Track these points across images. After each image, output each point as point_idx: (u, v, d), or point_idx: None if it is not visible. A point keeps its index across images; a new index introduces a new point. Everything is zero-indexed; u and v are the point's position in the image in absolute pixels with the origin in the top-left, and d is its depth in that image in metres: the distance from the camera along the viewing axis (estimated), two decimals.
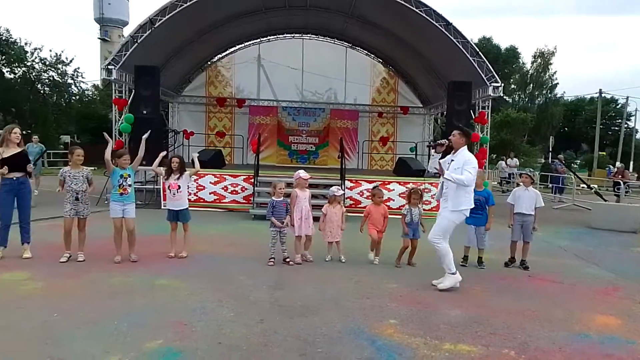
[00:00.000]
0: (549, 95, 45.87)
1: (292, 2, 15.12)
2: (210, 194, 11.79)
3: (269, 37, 18.23)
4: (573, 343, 4.24)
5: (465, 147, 5.80)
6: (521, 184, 7.29)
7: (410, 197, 6.91)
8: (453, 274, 5.71)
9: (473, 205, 5.75)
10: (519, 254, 7.07)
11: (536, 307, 5.17)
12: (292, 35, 18.31)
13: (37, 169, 12.83)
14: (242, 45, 18.24)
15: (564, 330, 4.52)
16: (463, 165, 5.57)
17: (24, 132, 7.82)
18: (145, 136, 6.95)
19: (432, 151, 5.75)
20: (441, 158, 5.95)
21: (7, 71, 32.24)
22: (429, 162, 6.15)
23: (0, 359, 3.53)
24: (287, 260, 6.66)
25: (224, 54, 18.38)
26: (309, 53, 18.32)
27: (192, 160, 7.19)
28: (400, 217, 6.88)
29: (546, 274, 6.72)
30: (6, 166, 6.21)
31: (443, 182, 5.77)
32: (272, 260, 6.59)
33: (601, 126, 39.11)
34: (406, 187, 11.72)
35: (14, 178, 6.31)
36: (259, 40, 18.20)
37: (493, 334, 4.36)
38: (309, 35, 18.33)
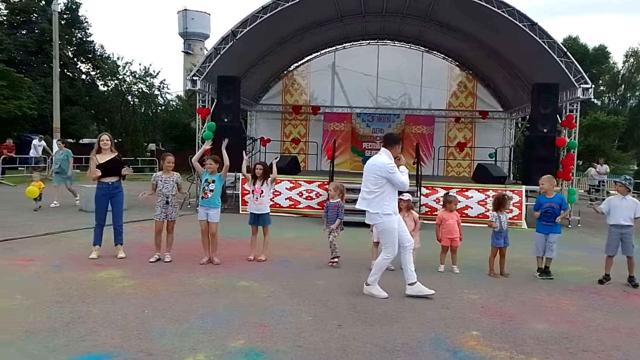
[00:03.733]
0: None
1: (368, 9, 15.13)
2: (286, 199, 12.04)
3: (344, 45, 18.37)
4: None
5: None
6: (616, 192, 6.72)
7: (500, 203, 6.67)
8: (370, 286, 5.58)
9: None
10: (613, 270, 6.52)
11: (633, 325, 4.78)
12: (368, 41, 18.32)
13: (62, 177, 12.03)
14: (318, 53, 18.50)
15: None
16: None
17: (115, 141, 8.36)
18: (224, 144, 7.13)
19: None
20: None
21: (101, 84, 34.99)
22: None
23: (98, 352, 3.79)
24: (333, 260, 6.86)
25: (300, 62, 18.74)
26: (384, 59, 18.25)
27: (270, 166, 7.36)
28: (482, 225, 6.65)
29: None
30: (99, 170, 6.66)
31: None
32: (336, 260, 6.84)
33: None
34: (486, 195, 11.34)
35: (109, 182, 6.76)
36: (334, 48, 18.39)
37: (586, 351, 4.09)
38: (384, 41, 18.25)
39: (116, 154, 6.91)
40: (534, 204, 6.94)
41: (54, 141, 15.53)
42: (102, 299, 5.02)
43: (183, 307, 4.81)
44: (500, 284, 6.20)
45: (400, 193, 6.73)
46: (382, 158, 5.56)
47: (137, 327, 4.29)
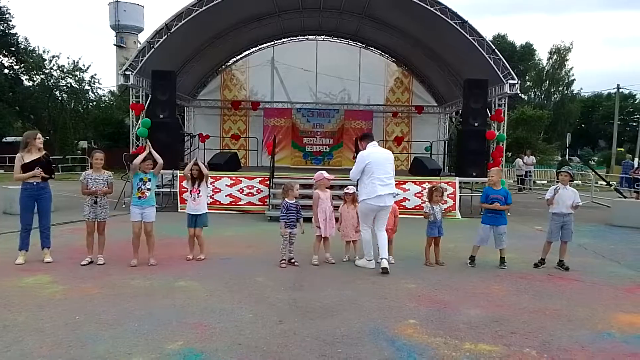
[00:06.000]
0: (566, 91, 45.44)
1: (306, 4, 15.15)
2: (226, 196, 11.87)
3: (282, 40, 18.28)
4: (596, 342, 4.17)
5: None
6: (559, 182, 7.02)
7: (432, 194, 6.87)
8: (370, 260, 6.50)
9: (374, 195, 6.28)
10: (549, 254, 6.89)
11: (557, 306, 5.10)
12: (306, 37, 18.35)
13: None
14: (257, 48, 18.34)
15: (586, 329, 4.46)
16: None
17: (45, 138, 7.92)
18: (149, 146, 6.81)
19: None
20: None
21: (25, 79, 32.94)
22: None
23: None
24: (293, 261, 6.65)
25: (239, 57, 18.50)
26: (323, 54, 18.36)
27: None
28: (419, 216, 6.85)
29: (567, 272, 6.61)
30: (39, 169, 6.30)
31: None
32: (284, 261, 6.59)
33: (619, 122, 38.45)
34: (422, 187, 11.70)
35: (34, 183, 6.39)
36: (272, 43, 18.29)
37: (514, 333, 4.32)
38: (322, 36, 18.36)
39: (44, 152, 6.55)
40: (481, 195, 7.14)
41: None
42: (30, 306, 4.74)
43: (117, 311, 4.64)
44: (435, 272, 6.43)
45: (345, 186, 6.98)
46: (385, 150, 6.93)
47: (67, 334, 4.09)
